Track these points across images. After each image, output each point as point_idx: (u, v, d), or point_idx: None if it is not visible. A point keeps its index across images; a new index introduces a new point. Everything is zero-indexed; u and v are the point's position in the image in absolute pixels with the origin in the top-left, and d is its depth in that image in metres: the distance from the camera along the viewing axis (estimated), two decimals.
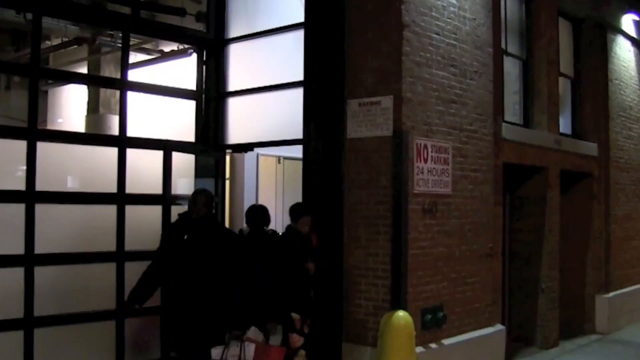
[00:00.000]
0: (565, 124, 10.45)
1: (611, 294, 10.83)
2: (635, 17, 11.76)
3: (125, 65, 7.17)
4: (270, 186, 9.97)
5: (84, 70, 10.42)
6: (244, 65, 8.06)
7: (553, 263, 9.44)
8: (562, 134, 10.00)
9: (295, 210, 6.56)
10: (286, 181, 10.00)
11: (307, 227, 6.44)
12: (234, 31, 8.09)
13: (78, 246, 6.57)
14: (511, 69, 9.29)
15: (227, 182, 8.71)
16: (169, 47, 9.36)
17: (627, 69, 11.77)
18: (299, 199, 7.00)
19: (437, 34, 7.13)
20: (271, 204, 9.92)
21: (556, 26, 9.87)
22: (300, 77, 7.15)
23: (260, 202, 9.67)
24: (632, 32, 11.94)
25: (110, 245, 6.68)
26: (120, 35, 7.45)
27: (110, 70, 9.96)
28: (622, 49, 11.66)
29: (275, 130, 7.58)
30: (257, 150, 8.93)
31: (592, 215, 10.63)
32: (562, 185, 9.83)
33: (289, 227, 6.59)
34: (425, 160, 6.90)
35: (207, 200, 6.02)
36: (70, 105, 11.01)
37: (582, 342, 10.12)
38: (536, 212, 9.32)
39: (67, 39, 9.75)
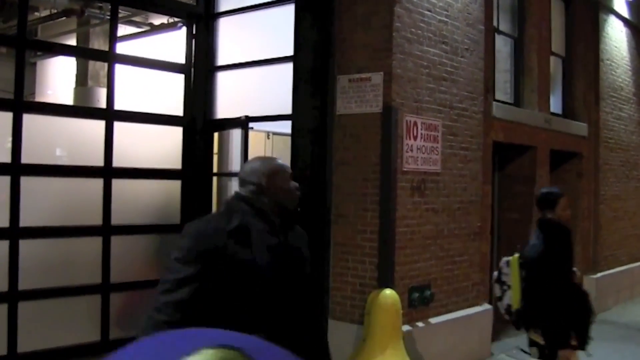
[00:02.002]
0: (555, 104, 10.42)
1: (599, 275, 10.89)
2: None
3: (113, 38, 7.05)
4: None
5: (72, 42, 10.31)
6: (233, 39, 7.94)
7: None
8: (552, 114, 9.97)
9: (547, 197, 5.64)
10: (275, 156, 9.99)
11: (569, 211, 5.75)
12: (224, 5, 7.95)
13: (64, 219, 6.52)
14: (502, 47, 9.24)
15: (215, 158, 8.63)
16: (158, 20, 9.26)
17: (618, 49, 11.75)
18: None
19: (428, 10, 7.05)
20: None
21: (548, 4, 9.82)
22: (290, 52, 7.06)
23: None
24: (624, 12, 11.92)
25: (97, 219, 6.63)
26: (110, 7, 7.33)
27: (99, 43, 9.86)
28: (614, 29, 11.63)
29: (264, 106, 7.49)
30: (249, 125, 8.88)
31: (580, 195, 10.62)
32: (551, 165, 9.82)
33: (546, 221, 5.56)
34: (415, 138, 6.85)
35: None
36: (59, 78, 10.90)
37: None
38: (525, 191, 9.29)
39: (55, 11, 9.60)
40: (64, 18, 9.80)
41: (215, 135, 8.57)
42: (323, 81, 6.85)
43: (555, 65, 10.48)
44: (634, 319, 10.60)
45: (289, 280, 3.05)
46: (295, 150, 6.93)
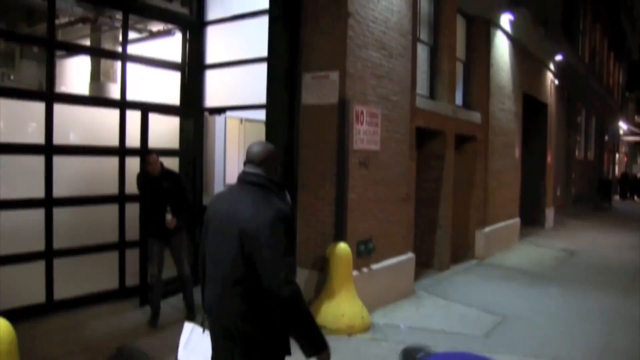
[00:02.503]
0: (458, 98, 10.63)
1: (487, 229, 11.25)
2: (510, 16, 11.97)
3: (125, 41, 6.95)
4: (234, 144, 9.81)
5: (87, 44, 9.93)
6: (219, 43, 7.83)
7: (447, 205, 9.69)
8: (457, 105, 10.18)
9: None
10: (247, 140, 9.85)
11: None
12: (211, 14, 7.84)
13: (88, 190, 6.43)
14: (422, 53, 9.33)
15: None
16: (156, 27, 8.95)
17: (502, 57, 12.04)
18: None
19: (373, 22, 7.05)
20: (235, 159, 9.77)
21: (454, 20, 9.95)
22: (264, 53, 6.96)
23: (227, 157, 9.50)
24: (507, 28, 12.19)
25: (114, 190, 6.51)
26: (118, 16, 7.14)
27: (108, 46, 9.49)
28: (501, 41, 11.90)
29: (244, 97, 7.41)
30: (226, 113, 8.74)
31: (475, 170, 10.92)
32: (456, 146, 10.05)
33: None
34: (362, 124, 6.88)
35: None
36: (73, 75, 10.40)
37: (466, 265, 10.52)
38: (437, 166, 9.51)
39: (73, 18, 9.17)
40: (80, 25, 9.32)
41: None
42: (292, 78, 6.80)
43: (458, 68, 10.68)
44: (511, 263, 11.04)
45: None
46: (270, 133, 6.86)
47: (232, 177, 9.63)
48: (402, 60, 7.76)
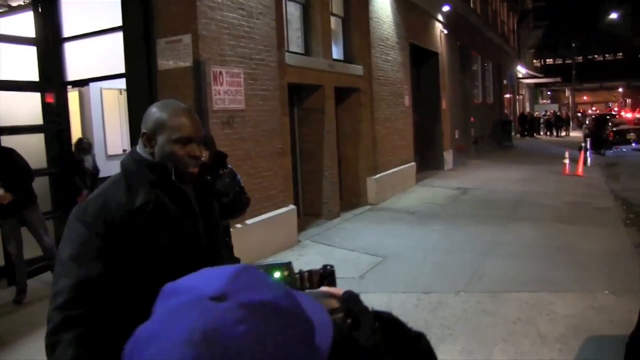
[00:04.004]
0: (337, 52, 10.42)
1: (377, 176, 11.25)
2: None
3: None
4: (114, 116, 9.27)
5: None
6: (74, 15, 7.27)
7: (332, 156, 9.58)
8: (335, 60, 9.97)
9: None
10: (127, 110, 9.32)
11: None
12: None
13: None
14: (294, 11, 9.03)
15: (78, 116, 8.01)
16: (16, 2, 8.23)
17: (384, 9, 11.84)
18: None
19: None
20: (117, 132, 9.28)
21: None
22: (119, 22, 6.53)
23: (107, 130, 9.01)
24: None
25: None
26: None
27: None
28: None
29: (106, 67, 6.95)
30: (99, 84, 8.22)
31: (361, 119, 10.83)
32: (338, 98, 9.90)
33: None
34: (222, 84, 6.59)
35: None
36: None
37: (357, 212, 10.48)
38: (318, 119, 9.34)
39: None
40: None
41: (74, 94, 7.95)
42: (146, 44, 6.40)
43: (336, 23, 10.44)
44: (403, 205, 11.10)
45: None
46: (130, 102, 6.50)
47: (113, 149, 9.17)
48: (264, 19, 7.44)
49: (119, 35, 6.61)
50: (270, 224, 7.46)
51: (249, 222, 7.04)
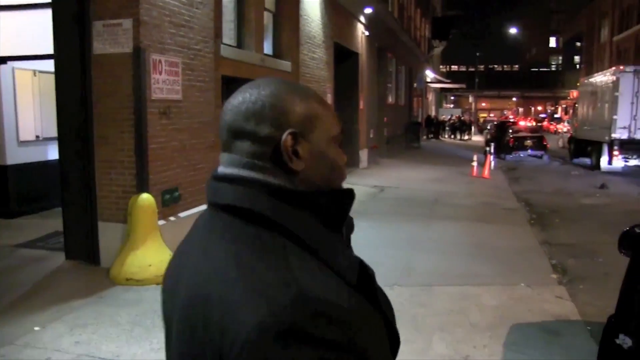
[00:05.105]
0: (268, 47, 10.49)
1: None
2: None
3: None
4: (28, 98, 8.73)
5: None
6: None
7: None
8: (266, 54, 10.04)
9: None
10: (42, 93, 8.78)
11: None
12: None
13: None
14: (228, 2, 9.00)
15: None
16: None
17: (313, 8, 12.06)
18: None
19: None
20: (29, 116, 8.81)
21: None
22: None
23: (19, 113, 8.50)
24: None
25: None
26: None
27: None
28: None
29: (29, 46, 6.59)
30: (11, 64, 7.73)
31: None
32: None
33: None
34: (160, 73, 6.49)
35: None
36: None
37: None
38: None
39: None
40: None
41: None
42: (80, 25, 6.15)
43: (268, 18, 10.51)
44: None
45: None
46: (59, 86, 6.22)
47: (25, 134, 8.66)
48: (204, 9, 7.39)
49: (48, 13, 6.32)
50: None
51: (182, 214, 6.99)
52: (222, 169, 1.02)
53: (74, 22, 6.15)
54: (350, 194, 1.03)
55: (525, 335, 4.88)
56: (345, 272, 0.95)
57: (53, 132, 6.85)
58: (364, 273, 1.01)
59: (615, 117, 18.11)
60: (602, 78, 20.77)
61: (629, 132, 17.94)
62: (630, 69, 18.76)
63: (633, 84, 17.94)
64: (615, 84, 18.25)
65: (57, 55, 6.24)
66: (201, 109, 7.41)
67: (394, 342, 1.08)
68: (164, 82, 6.55)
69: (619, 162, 17.97)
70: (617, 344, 2.33)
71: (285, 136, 0.96)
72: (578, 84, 26.20)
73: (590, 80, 22.87)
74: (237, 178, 0.97)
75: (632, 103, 17.88)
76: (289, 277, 0.85)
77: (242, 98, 1.00)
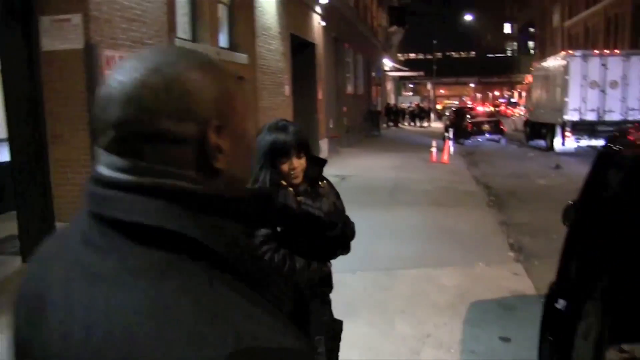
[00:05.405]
0: (223, 40, 10.44)
1: None
2: None
3: None
4: None
5: None
6: None
7: None
8: (221, 48, 10.00)
9: None
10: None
11: None
12: None
13: None
14: None
15: None
16: None
17: (268, 0, 12.00)
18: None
19: None
20: None
21: None
22: None
23: None
24: None
25: None
26: None
27: None
28: None
29: None
30: None
31: None
32: None
33: None
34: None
35: None
36: None
37: None
38: None
39: None
40: None
41: None
42: (28, 20, 6.02)
43: (222, 10, 10.44)
44: None
45: None
46: (8, 84, 6.09)
47: None
48: (156, 2, 7.31)
49: None
50: None
51: None
52: (110, 173, 0.76)
53: (20, 15, 6.01)
54: (266, 195, 0.98)
55: (483, 312, 5.07)
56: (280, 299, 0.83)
57: (2, 132, 6.69)
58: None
59: (566, 99, 18.68)
60: (553, 63, 21.39)
61: (580, 113, 18.55)
62: (578, 53, 19.40)
63: (581, 67, 18.52)
64: (566, 68, 18.82)
65: (2, 53, 6.09)
66: None
67: None
68: None
69: (571, 143, 18.56)
70: (557, 308, 2.48)
71: (209, 130, 0.77)
72: (531, 69, 26.86)
73: (543, 64, 23.51)
74: (136, 186, 0.74)
75: (582, 86, 18.47)
76: (225, 327, 0.65)
77: (133, 80, 0.76)
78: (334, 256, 2.62)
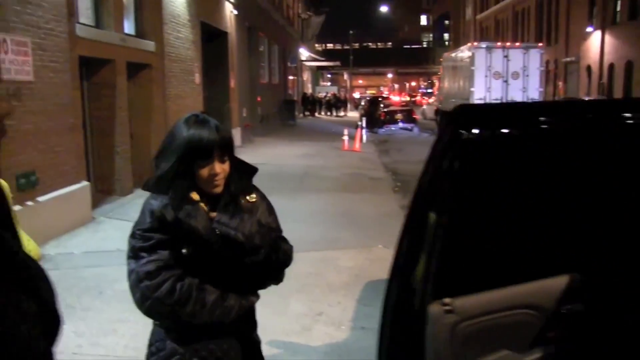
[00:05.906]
0: (129, 27, 10.28)
1: None
2: None
3: None
4: None
5: None
6: None
7: (124, 132, 9.51)
8: (127, 34, 9.85)
9: None
10: None
11: None
12: None
13: None
14: None
15: None
16: None
17: None
18: None
19: None
20: None
21: None
22: None
23: None
24: None
25: None
26: None
27: None
28: None
29: None
30: None
31: (153, 95, 10.80)
32: (130, 73, 9.81)
33: None
34: (7, 53, 6.25)
35: None
36: None
37: None
38: (109, 94, 9.16)
39: None
40: None
41: None
42: None
43: None
44: None
45: None
46: None
47: None
48: None
49: None
50: (63, 200, 7.29)
51: (40, 199, 6.82)
52: None
53: None
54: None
55: (376, 291, 5.36)
56: None
57: None
58: None
59: (472, 89, 19.69)
60: (460, 54, 22.44)
61: (485, 102, 19.61)
62: (483, 44, 20.49)
63: (486, 58, 19.57)
64: (471, 59, 19.82)
65: None
66: (57, 90, 7.21)
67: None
68: (12, 62, 6.32)
69: None
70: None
71: None
72: (441, 60, 27.98)
73: (452, 55, 24.59)
74: None
75: (486, 76, 19.54)
76: None
77: None
78: (262, 286, 2.13)
